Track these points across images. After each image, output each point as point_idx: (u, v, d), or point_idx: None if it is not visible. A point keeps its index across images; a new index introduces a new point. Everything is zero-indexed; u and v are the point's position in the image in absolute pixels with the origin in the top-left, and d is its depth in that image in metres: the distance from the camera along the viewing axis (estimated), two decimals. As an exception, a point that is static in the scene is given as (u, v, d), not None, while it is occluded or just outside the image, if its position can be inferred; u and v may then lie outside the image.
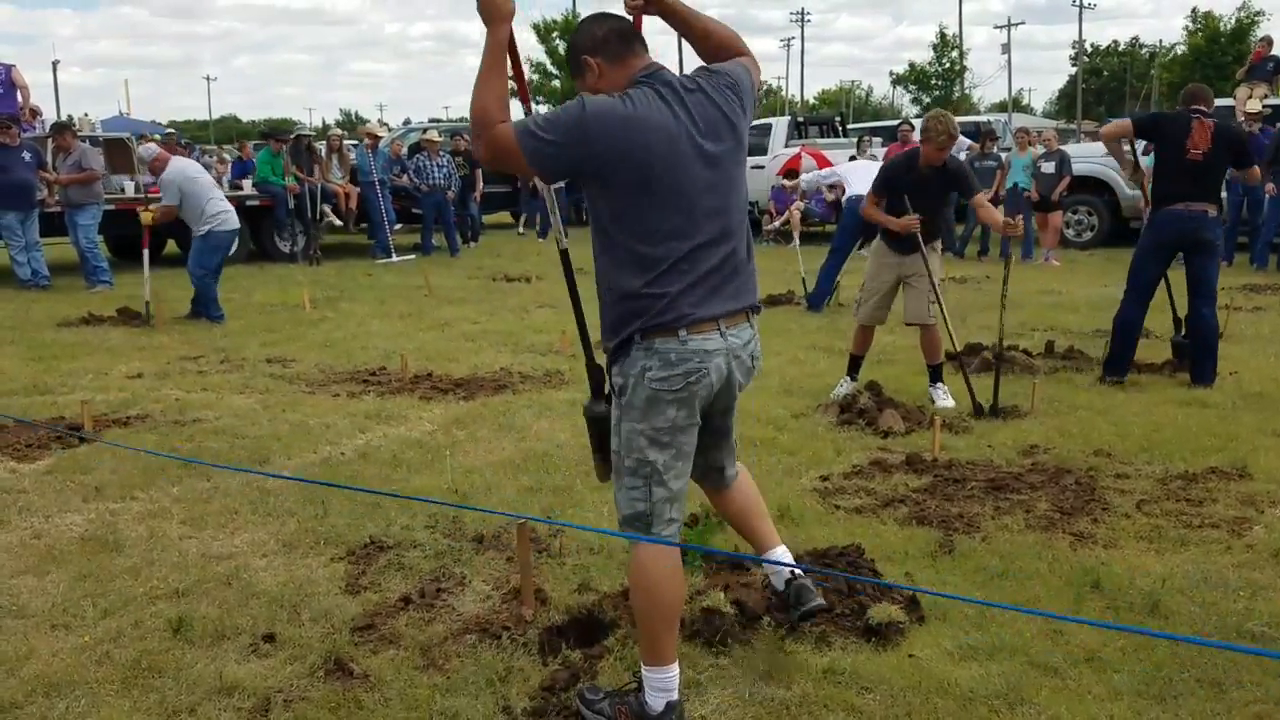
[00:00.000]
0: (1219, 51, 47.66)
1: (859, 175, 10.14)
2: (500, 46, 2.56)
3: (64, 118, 22.34)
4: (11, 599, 3.52)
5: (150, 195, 11.69)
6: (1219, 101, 14.74)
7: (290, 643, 3.19)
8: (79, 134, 13.26)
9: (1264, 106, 13.25)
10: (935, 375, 6.13)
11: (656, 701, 2.70)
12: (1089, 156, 14.82)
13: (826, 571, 3.48)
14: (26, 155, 11.47)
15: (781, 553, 3.12)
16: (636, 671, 2.82)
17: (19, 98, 12.69)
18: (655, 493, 2.66)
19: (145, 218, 9.02)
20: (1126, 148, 6.79)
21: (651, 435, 2.62)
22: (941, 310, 5.97)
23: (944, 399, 6.00)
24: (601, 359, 2.83)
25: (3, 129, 11.31)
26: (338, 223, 15.18)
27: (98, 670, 3.04)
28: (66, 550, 3.94)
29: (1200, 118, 6.25)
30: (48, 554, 3.91)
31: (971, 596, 3.43)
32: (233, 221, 9.12)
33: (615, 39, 2.65)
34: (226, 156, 22.06)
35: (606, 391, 2.83)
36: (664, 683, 2.70)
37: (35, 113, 13.99)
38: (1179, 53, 54.66)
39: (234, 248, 9.65)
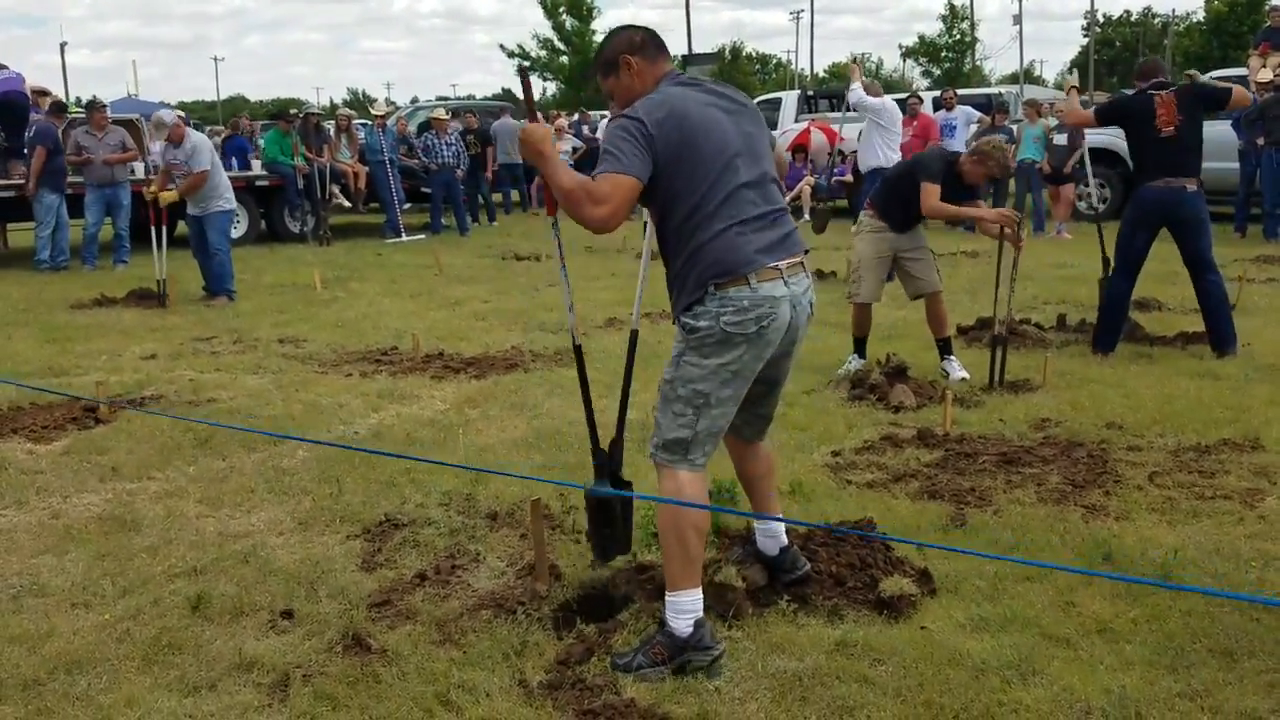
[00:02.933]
0: (1236, 20, 47.13)
1: (874, 149, 10.06)
2: (556, 165, 2.80)
3: (72, 100, 22.33)
4: (32, 578, 3.56)
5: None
6: (1233, 70, 14.66)
7: (308, 619, 3.23)
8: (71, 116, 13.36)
9: (1276, 76, 13.12)
10: (945, 349, 6.12)
11: (683, 624, 2.86)
12: (1102, 129, 14.69)
13: (856, 532, 3.50)
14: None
15: (780, 526, 3.32)
16: (656, 614, 2.96)
17: (30, 99, 12.70)
18: (701, 423, 2.86)
19: (166, 197, 9.07)
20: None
21: (714, 370, 2.83)
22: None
23: (958, 371, 6.00)
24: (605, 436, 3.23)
25: (55, 113, 11.37)
26: (346, 204, 15.18)
27: (118, 647, 3.08)
28: (85, 530, 3.99)
29: (1160, 93, 6.24)
30: (66, 534, 3.95)
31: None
32: (232, 195, 9.54)
33: (651, 42, 3.02)
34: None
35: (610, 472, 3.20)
36: (690, 604, 2.88)
37: (44, 94, 14.04)
38: (1195, 21, 54.09)
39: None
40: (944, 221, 14.47)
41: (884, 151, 10.31)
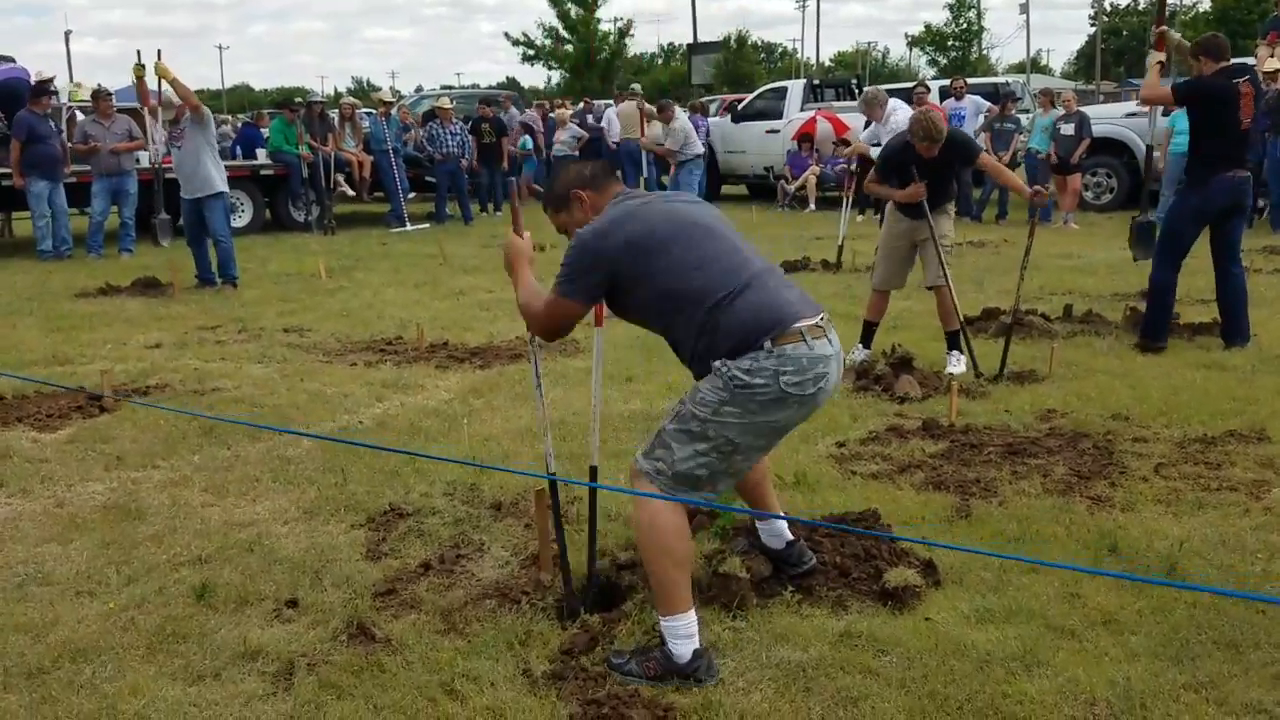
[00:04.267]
0: (1244, 9, 46.88)
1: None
2: (527, 276, 3.05)
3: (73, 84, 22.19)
4: (36, 567, 3.57)
5: (164, 165, 11.74)
6: (1241, 60, 14.56)
7: (313, 608, 3.23)
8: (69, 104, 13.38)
9: (1286, 65, 13.03)
10: (953, 342, 6.09)
11: (684, 649, 2.77)
12: (1108, 118, 14.64)
13: (850, 529, 3.49)
14: (52, 124, 11.55)
15: (782, 525, 3.30)
16: (656, 624, 2.87)
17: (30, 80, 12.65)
18: (722, 466, 2.78)
19: (163, 69, 9.54)
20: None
21: (757, 425, 2.74)
22: (947, 278, 5.93)
23: (957, 366, 5.97)
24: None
25: (35, 99, 11.34)
26: (350, 193, 15.17)
27: (123, 636, 3.08)
28: (89, 518, 3.99)
29: (1242, 80, 6.12)
30: (71, 522, 3.95)
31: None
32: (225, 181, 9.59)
33: (600, 172, 3.07)
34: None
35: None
36: (685, 629, 2.78)
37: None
38: (1200, 10, 53.85)
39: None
40: (965, 197, 14.52)
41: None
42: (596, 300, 2.92)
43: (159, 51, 10.09)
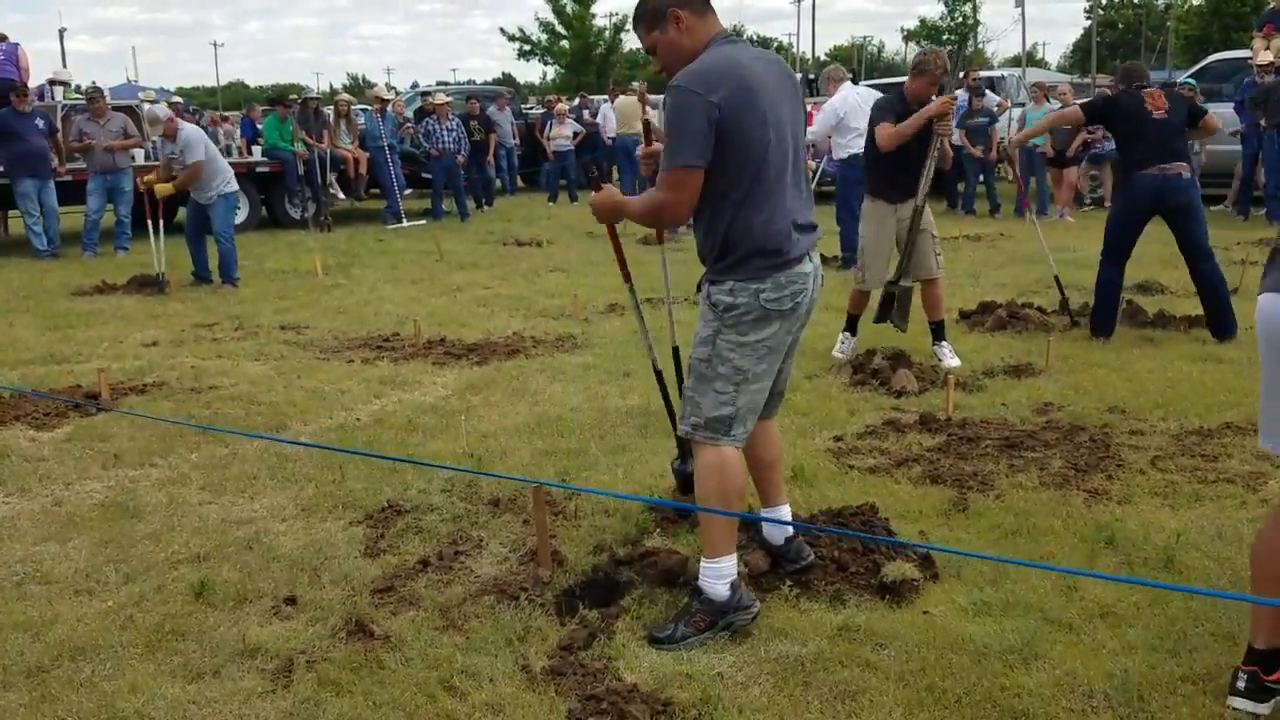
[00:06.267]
0: (1237, 2, 46.86)
1: (837, 148, 9.88)
2: (628, 205, 3.07)
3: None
4: (35, 565, 3.57)
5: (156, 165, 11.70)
6: (1236, 53, 14.59)
7: (311, 605, 3.23)
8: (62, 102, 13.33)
9: (1278, 58, 13.05)
10: (938, 333, 6.08)
11: (720, 588, 2.97)
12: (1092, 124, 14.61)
13: (842, 532, 3.49)
14: (39, 122, 11.49)
15: (785, 510, 3.37)
16: (693, 583, 3.05)
17: (18, 76, 12.59)
18: (741, 399, 2.93)
19: (162, 189, 9.04)
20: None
21: (752, 346, 2.91)
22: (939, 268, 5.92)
23: (950, 358, 5.96)
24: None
25: (18, 98, 11.30)
26: (341, 196, 15.16)
27: (122, 634, 3.08)
28: (87, 517, 3.99)
29: (1148, 88, 6.32)
30: (69, 521, 3.95)
31: (985, 556, 3.44)
32: (234, 179, 9.48)
33: None
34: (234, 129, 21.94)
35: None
36: (726, 570, 2.99)
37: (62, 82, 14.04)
38: (1194, 4, 53.78)
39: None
40: (956, 193, 14.46)
41: (840, 147, 10.03)
42: (708, 158, 2.79)
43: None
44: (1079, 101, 7.12)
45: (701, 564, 3.03)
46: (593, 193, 3.16)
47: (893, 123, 5.73)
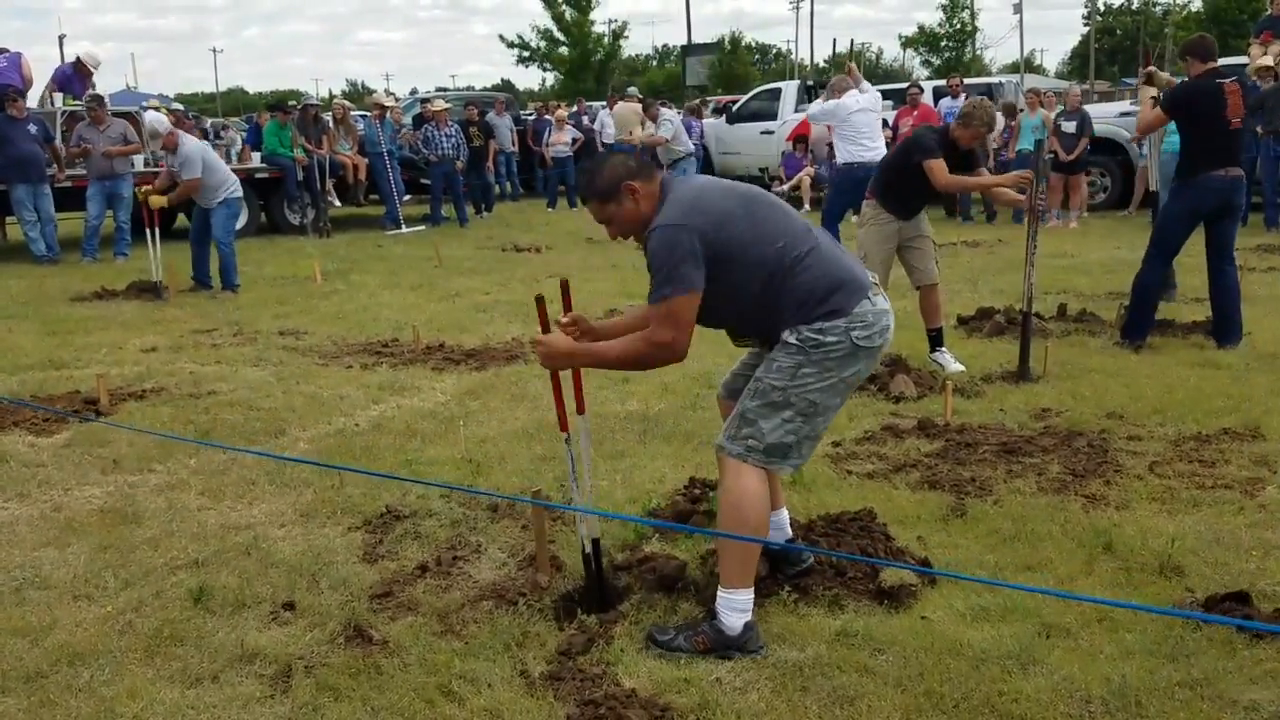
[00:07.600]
0: (1235, 8, 46.97)
1: (850, 138, 9.83)
2: (593, 353, 2.97)
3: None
4: (34, 571, 3.57)
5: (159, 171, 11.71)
6: (1232, 60, 14.60)
7: (310, 610, 3.23)
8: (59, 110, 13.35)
9: (1277, 63, 13.05)
10: (937, 340, 6.08)
11: (735, 621, 2.90)
12: (1102, 117, 14.64)
13: (832, 554, 3.50)
14: (32, 128, 11.49)
15: (784, 516, 3.38)
16: (710, 604, 2.99)
17: (20, 84, 12.58)
18: (805, 429, 2.92)
19: (156, 201, 9.05)
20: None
21: (835, 382, 2.90)
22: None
23: (952, 363, 5.97)
24: None
25: (10, 102, 11.30)
26: (337, 203, 15.17)
27: (120, 639, 3.08)
28: (86, 522, 3.99)
29: (1227, 80, 6.10)
30: (68, 526, 3.95)
31: (980, 571, 3.45)
32: (240, 186, 9.49)
33: (643, 163, 3.02)
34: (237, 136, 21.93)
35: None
36: (744, 603, 2.92)
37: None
38: (1193, 10, 53.97)
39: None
40: (954, 199, 14.46)
41: (843, 150, 10.02)
42: (702, 286, 2.83)
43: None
44: (1153, 96, 6.50)
45: (719, 591, 2.96)
46: (540, 332, 3.02)
47: (943, 159, 5.71)
